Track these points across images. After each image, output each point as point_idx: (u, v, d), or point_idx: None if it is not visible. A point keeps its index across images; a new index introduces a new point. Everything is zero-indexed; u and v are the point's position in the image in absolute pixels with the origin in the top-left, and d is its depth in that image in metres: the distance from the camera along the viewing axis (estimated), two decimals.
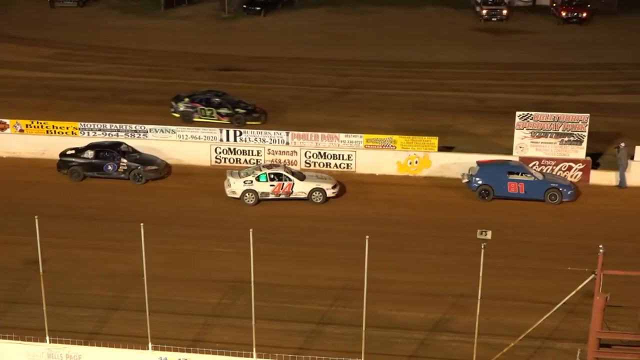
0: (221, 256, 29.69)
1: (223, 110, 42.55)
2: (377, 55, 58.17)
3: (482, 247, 20.51)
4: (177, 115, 43.05)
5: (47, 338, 22.52)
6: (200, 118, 42.63)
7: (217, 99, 43.11)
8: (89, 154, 36.86)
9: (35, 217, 21.48)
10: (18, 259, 28.47)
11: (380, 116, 44.81)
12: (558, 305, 21.22)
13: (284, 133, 38.58)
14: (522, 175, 34.93)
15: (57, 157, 37.33)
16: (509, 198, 34.84)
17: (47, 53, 58.62)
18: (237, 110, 42.68)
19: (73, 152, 37.16)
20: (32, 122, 39.76)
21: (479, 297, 21.20)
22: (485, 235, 21.45)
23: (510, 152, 37.06)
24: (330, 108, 46.70)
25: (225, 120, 42.33)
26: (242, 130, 38.83)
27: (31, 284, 25.69)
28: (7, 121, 39.78)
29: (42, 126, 39.68)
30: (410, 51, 59.07)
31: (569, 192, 34.84)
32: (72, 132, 39.43)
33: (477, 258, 20.65)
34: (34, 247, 22.03)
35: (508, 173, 34.94)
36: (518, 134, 36.82)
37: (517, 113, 36.94)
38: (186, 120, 42.49)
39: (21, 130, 39.79)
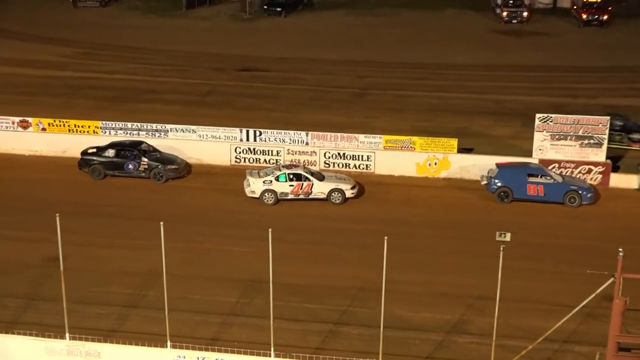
0: (240, 255, 29.70)
1: (635, 136, 39.30)
2: (396, 56, 58.04)
3: (501, 249, 20.41)
4: None
5: (67, 335, 22.61)
6: (610, 145, 37.57)
7: (620, 123, 39.42)
8: (110, 152, 36.99)
9: (57, 214, 21.59)
10: (39, 256, 28.63)
11: (398, 117, 44.72)
12: (577, 309, 21.09)
13: (303, 133, 38.54)
14: (541, 177, 34.74)
15: (79, 156, 37.49)
16: (528, 200, 34.66)
17: (68, 52, 58.91)
18: None
19: (94, 150, 37.31)
20: (54, 121, 39.93)
21: (497, 299, 21.12)
22: (504, 237, 21.38)
23: (529, 155, 36.87)
24: (349, 109, 46.66)
25: (636, 147, 39.03)
26: (261, 130, 38.80)
27: (51, 281, 25.84)
28: (30, 119, 39.97)
29: (63, 125, 39.84)
30: (429, 53, 58.88)
31: (588, 195, 34.61)
32: (94, 131, 39.56)
33: (495, 260, 20.55)
34: (54, 244, 22.11)
35: (527, 175, 34.76)
36: (538, 136, 36.60)
37: (537, 115, 36.72)
38: None
39: (43, 129, 39.98)
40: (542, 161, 36.33)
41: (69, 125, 39.81)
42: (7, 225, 31.75)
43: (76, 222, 30.40)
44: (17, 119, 39.97)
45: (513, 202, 34.78)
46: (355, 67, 55.64)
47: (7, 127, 40.01)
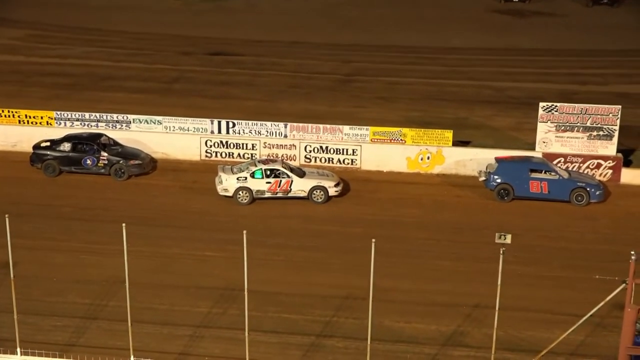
0: (211, 261, 29.71)
1: None
2: (386, 39, 58.19)
3: (501, 252, 20.54)
4: None
5: (18, 350, 22.55)
6: None
7: None
8: (66, 146, 36.88)
9: (6, 216, 21.51)
10: None
11: (388, 107, 44.86)
12: (584, 318, 21.22)
13: (281, 125, 38.60)
14: (545, 173, 34.95)
15: (30, 150, 37.36)
16: (531, 198, 34.86)
17: (18, 34, 58.63)
18: None
19: (48, 144, 37.17)
20: (3, 111, 39.74)
21: (497, 308, 21.25)
22: (504, 239, 21.51)
23: (532, 148, 37.12)
24: (333, 97, 46.76)
25: None
26: (235, 121, 38.82)
27: (0, 290, 25.72)
28: None
29: (13, 115, 39.69)
30: (422, 35, 59.08)
31: (597, 193, 34.86)
32: (47, 122, 39.44)
33: (495, 265, 20.68)
34: (4, 249, 22.04)
35: (530, 171, 34.96)
36: (541, 128, 36.84)
37: (541, 104, 36.97)
38: None
39: None
40: (546, 155, 36.56)
41: (19, 116, 39.67)
42: None
43: (28, 224, 30.37)
44: None
45: (514, 201, 34.98)
46: (341, 50, 55.72)
47: None
